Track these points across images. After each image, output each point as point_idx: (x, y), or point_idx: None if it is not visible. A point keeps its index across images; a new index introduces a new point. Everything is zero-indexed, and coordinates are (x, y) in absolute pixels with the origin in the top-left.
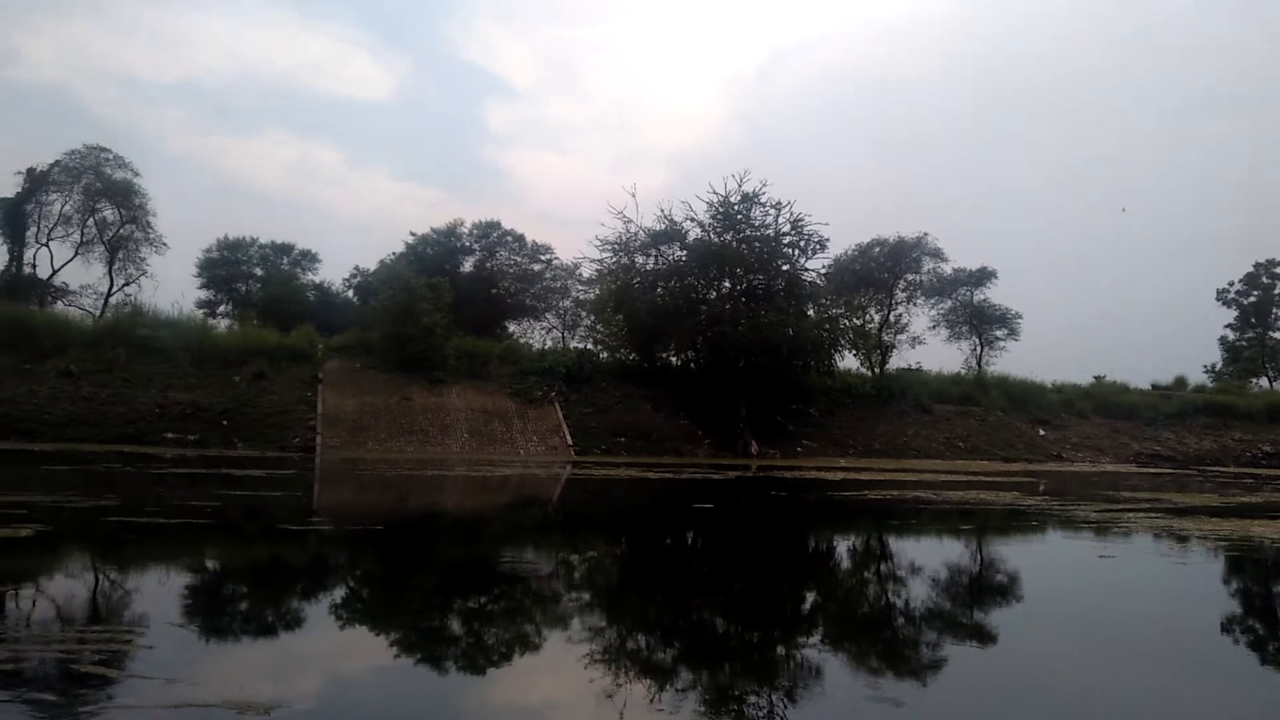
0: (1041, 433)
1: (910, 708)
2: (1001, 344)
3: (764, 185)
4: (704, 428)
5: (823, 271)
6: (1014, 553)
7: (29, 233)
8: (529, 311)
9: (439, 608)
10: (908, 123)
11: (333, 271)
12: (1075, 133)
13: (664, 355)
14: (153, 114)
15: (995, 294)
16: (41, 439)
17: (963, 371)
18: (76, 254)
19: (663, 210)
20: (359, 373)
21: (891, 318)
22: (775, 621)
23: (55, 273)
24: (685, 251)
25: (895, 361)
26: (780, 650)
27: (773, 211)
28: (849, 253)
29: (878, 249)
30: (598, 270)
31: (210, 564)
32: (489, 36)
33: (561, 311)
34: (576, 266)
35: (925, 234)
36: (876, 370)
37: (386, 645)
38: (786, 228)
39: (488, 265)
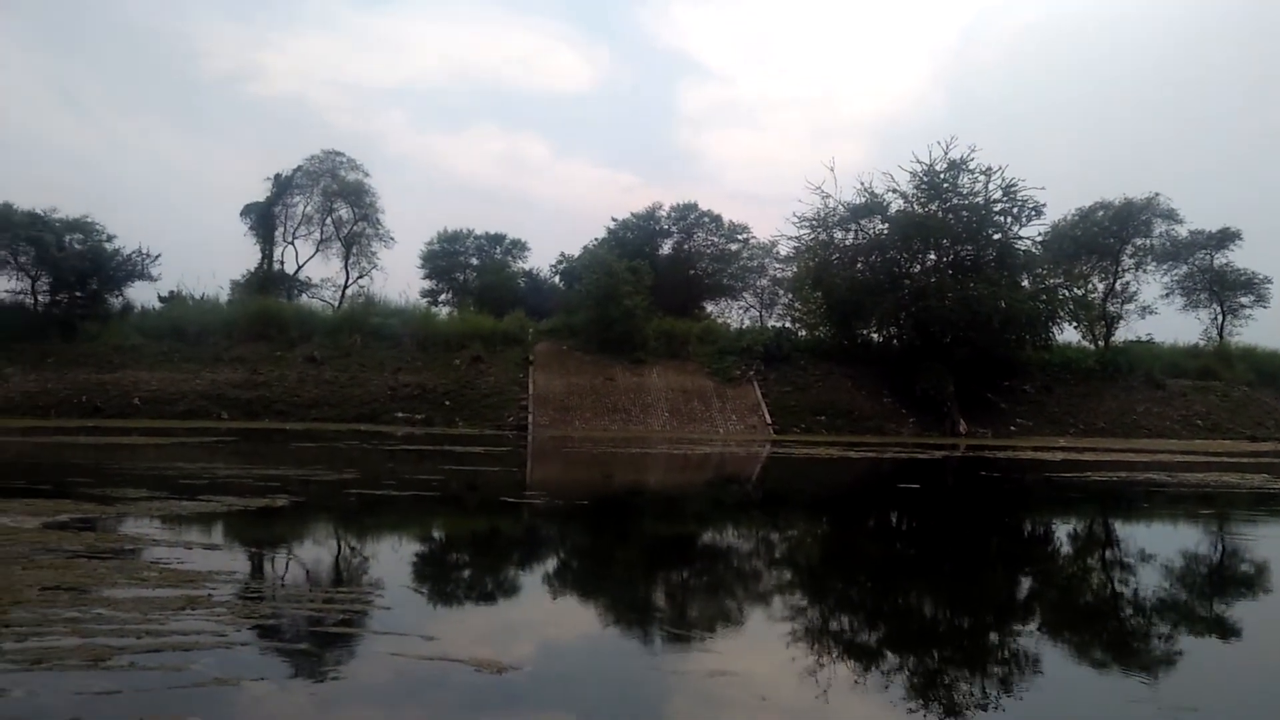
0: None
1: (1143, 703)
2: (1248, 312)
3: (972, 151)
4: (908, 406)
5: (1038, 239)
6: (1263, 541)
7: (277, 233)
8: (726, 291)
9: (643, 580)
10: (1134, 78)
11: (540, 258)
12: None
13: (865, 332)
14: (377, 117)
15: (1240, 257)
16: (291, 418)
17: (1201, 343)
18: (317, 250)
19: (862, 183)
20: (566, 354)
21: (1118, 286)
22: (987, 607)
23: (300, 268)
24: (887, 224)
25: (1122, 333)
26: (993, 637)
27: (982, 178)
28: (1068, 218)
29: (1101, 212)
30: (795, 247)
31: (437, 533)
32: (683, 19)
33: (759, 290)
34: (773, 245)
35: (1156, 194)
36: (1100, 343)
37: (596, 614)
38: (997, 194)
39: (685, 247)
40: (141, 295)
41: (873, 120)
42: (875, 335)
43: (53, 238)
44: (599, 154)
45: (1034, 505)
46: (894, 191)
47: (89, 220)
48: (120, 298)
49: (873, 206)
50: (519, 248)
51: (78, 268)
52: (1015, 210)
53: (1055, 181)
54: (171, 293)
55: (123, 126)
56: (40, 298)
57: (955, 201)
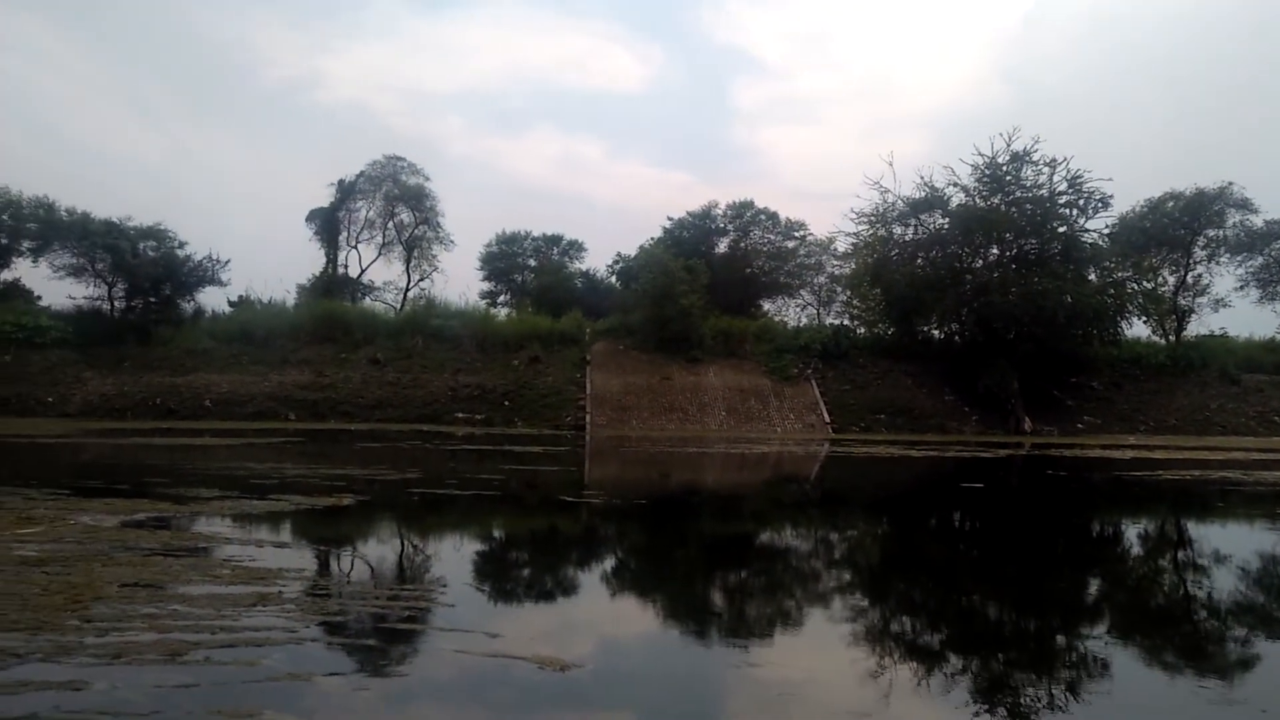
0: None
1: (1219, 706)
2: None
3: (1035, 142)
4: (970, 404)
5: (1105, 232)
6: None
7: (341, 237)
8: (783, 289)
9: (702, 580)
10: (1207, 62)
11: (597, 258)
12: None
13: (925, 329)
14: (437, 122)
15: None
16: (356, 419)
17: (1279, 337)
18: (380, 254)
19: (922, 177)
20: (622, 354)
21: (1189, 279)
22: (1055, 609)
23: (363, 272)
24: (947, 219)
25: (1194, 328)
26: (1061, 640)
27: (1046, 170)
28: (1137, 209)
29: (1171, 203)
30: (853, 244)
31: (498, 532)
32: (739, 16)
33: (816, 288)
34: (831, 241)
35: (1229, 184)
36: (1171, 338)
37: (656, 614)
38: (1062, 186)
39: (742, 245)
40: (212, 300)
41: (932, 113)
42: (936, 332)
43: (128, 245)
44: (654, 153)
45: (1103, 505)
46: (955, 185)
47: (162, 228)
48: (192, 302)
49: (933, 201)
50: (576, 248)
51: (152, 274)
52: (1081, 202)
53: (1123, 171)
54: (240, 297)
55: (191, 136)
56: (116, 304)
57: (1018, 194)
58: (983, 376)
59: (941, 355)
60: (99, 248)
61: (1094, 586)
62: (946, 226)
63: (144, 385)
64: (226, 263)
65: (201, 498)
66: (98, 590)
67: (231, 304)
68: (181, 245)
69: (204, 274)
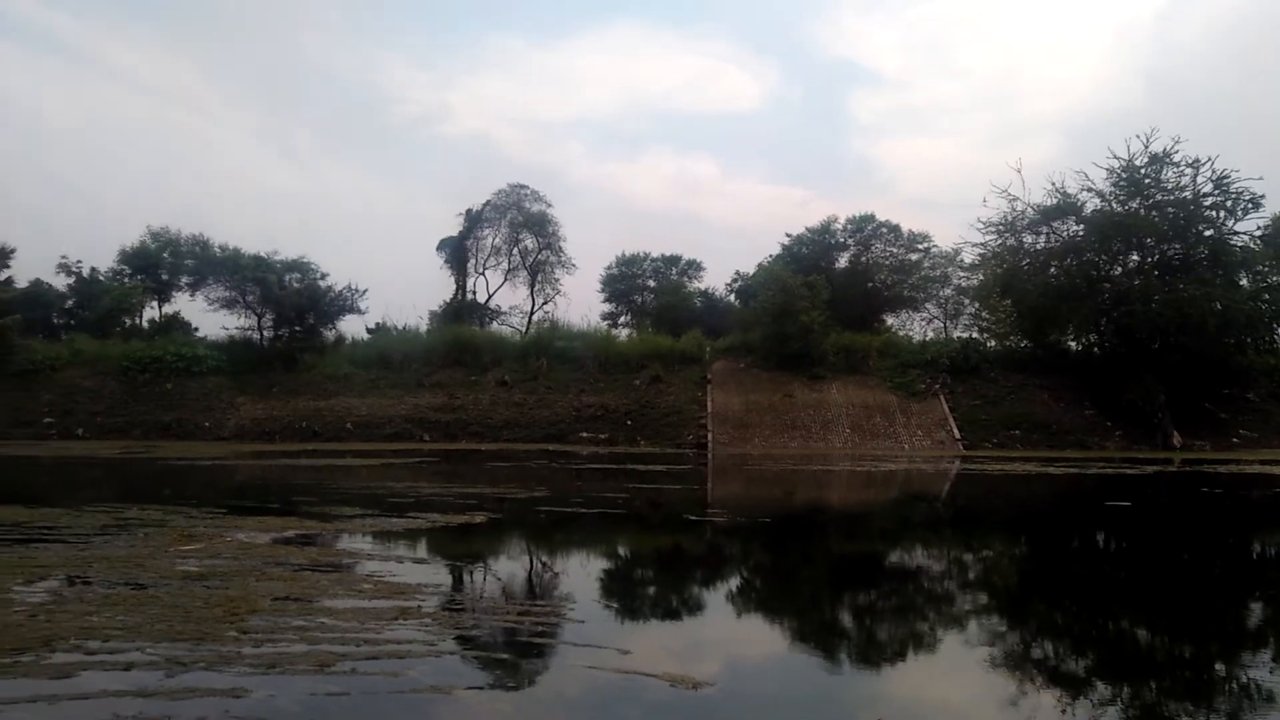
0: None
1: None
2: None
3: (1175, 142)
4: (1113, 418)
5: (1257, 234)
6: None
7: (469, 264)
8: (907, 303)
9: (830, 600)
10: None
11: (715, 277)
12: None
13: (1060, 340)
14: (557, 149)
15: None
16: (485, 439)
17: None
18: (506, 280)
19: (1053, 183)
20: (743, 372)
21: None
22: (1212, 635)
23: (490, 297)
24: (1082, 225)
25: None
26: (1219, 668)
27: (1188, 171)
28: None
29: None
30: (980, 254)
31: (624, 549)
32: (854, 29)
33: (942, 301)
34: (957, 252)
35: None
36: None
37: (784, 634)
38: (1208, 187)
39: (863, 259)
40: (351, 328)
41: (1061, 116)
42: (1073, 343)
43: (274, 278)
44: (771, 170)
45: (1264, 524)
46: (1089, 190)
47: (305, 261)
48: (333, 330)
49: (1065, 207)
50: (694, 268)
51: (296, 304)
52: (1229, 203)
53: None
54: (378, 324)
55: (331, 173)
56: (265, 333)
57: (1159, 197)
58: (1126, 389)
59: (1079, 367)
60: (249, 281)
61: (1256, 611)
62: (1081, 233)
63: (291, 409)
64: (364, 292)
65: (345, 516)
66: (253, 604)
67: (369, 331)
68: (323, 276)
69: (344, 303)
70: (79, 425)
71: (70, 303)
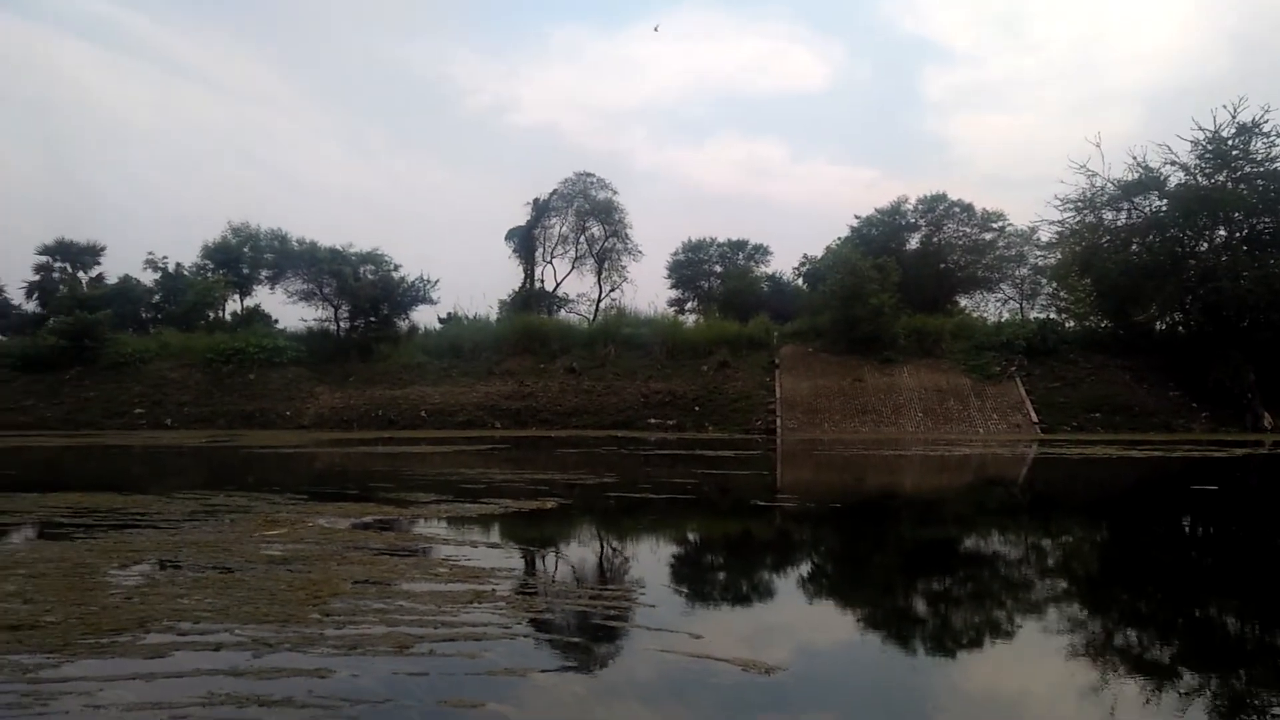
0: None
1: None
2: None
3: (1265, 112)
4: (1199, 399)
5: None
6: None
7: (537, 253)
8: (981, 284)
9: (904, 586)
10: None
11: (782, 261)
12: None
13: (1142, 320)
14: (622, 136)
15: None
16: (555, 426)
17: None
18: (573, 268)
19: (1134, 157)
20: (811, 356)
21: None
22: None
23: (558, 285)
24: (1165, 200)
25: None
26: None
27: (1279, 141)
28: None
29: None
30: (1058, 233)
31: (693, 535)
32: (924, 5)
33: (1018, 281)
34: (1033, 231)
35: None
36: None
37: (855, 620)
38: None
39: (934, 240)
40: (424, 318)
41: (1142, 87)
42: (1156, 322)
43: (350, 270)
44: (839, 151)
45: None
46: (1172, 164)
47: (379, 253)
48: (406, 320)
49: (1147, 182)
50: (761, 252)
51: (371, 295)
52: None
53: None
54: (449, 314)
55: (402, 165)
56: (342, 324)
57: (1248, 170)
58: (1212, 369)
59: (1163, 347)
60: (325, 273)
61: None
62: (1164, 209)
63: (367, 398)
64: (436, 282)
65: (420, 501)
66: (334, 587)
67: (441, 321)
68: (396, 268)
69: (417, 294)
70: (167, 415)
71: (157, 297)
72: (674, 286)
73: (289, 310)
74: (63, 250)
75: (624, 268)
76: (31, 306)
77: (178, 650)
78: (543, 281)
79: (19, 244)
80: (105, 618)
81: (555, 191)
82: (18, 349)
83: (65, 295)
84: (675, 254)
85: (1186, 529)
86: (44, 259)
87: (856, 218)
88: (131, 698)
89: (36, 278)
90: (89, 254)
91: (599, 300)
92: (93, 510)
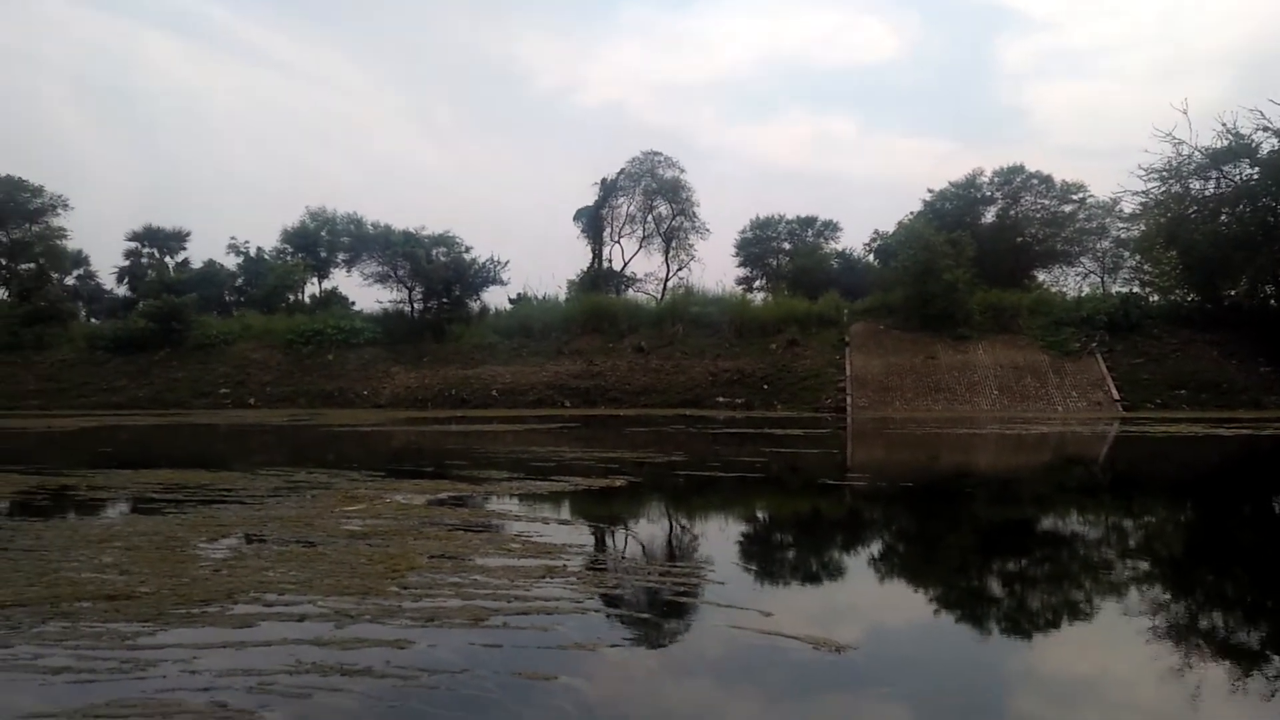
0: None
1: None
2: None
3: None
4: None
5: None
6: None
7: (605, 233)
8: (1060, 257)
9: (978, 567)
10: None
11: (852, 237)
12: None
13: (1232, 293)
14: (690, 114)
15: None
16: (623, 405)
17: None
18: (641, 247)
19: (1224, 124)
20: (883, 334)
21: None
22: None
23: (626, 264)
24: (1257, 168)
25: None
26: None
27: None
28: None
29: None
30: (1142, 204)
31: (762, 513)
32: None
33: (1099, 254)
34: (1115, 202)
35: None
36: None
37: (928, 600)
38: None
39: (1011, 213)
40: (495, 299)
41: (1232, 49)
42: (1246, 296)
43: (423, 252)
44: (911, 123)
45: None
46: (1265, 129)
47: (451, 235)
48: (478, 301)
49: (1238, 149)
50: (831, 228)
51: (444, 277)
52: None
53: None
54: (519, 294)
55: (473, 148)
56: (415, 305)
57: None
58: None
59: (1254, 321)
60: (399, 256)
61: None
62: (1256, 177)
63: (440, 378)
64: (506, 263)
65: (493, 479)
66: (411, 561)
67: (511, 301)
68: (467, 250)
69: (488, 275)
70: (251, 395)
71: (240, 281)
72: (742, 264)
73: (365, 292)
74: (150, 236)
75: (691, 246)
76: (122, 291)
77: (264, 620)
78: (610, 261)
79: (110, 231)
80: (196, 589)
81: (622, 171)
82: (110, 332)
83: (153, 280)
84: (743, 231)
85: (1278, 510)
86: (133, 245)
87: (930, 191)
88: (223, 665)
89: (126, 263)
90: (175, 239)
91: (666, 279)
92: (182, 486)
